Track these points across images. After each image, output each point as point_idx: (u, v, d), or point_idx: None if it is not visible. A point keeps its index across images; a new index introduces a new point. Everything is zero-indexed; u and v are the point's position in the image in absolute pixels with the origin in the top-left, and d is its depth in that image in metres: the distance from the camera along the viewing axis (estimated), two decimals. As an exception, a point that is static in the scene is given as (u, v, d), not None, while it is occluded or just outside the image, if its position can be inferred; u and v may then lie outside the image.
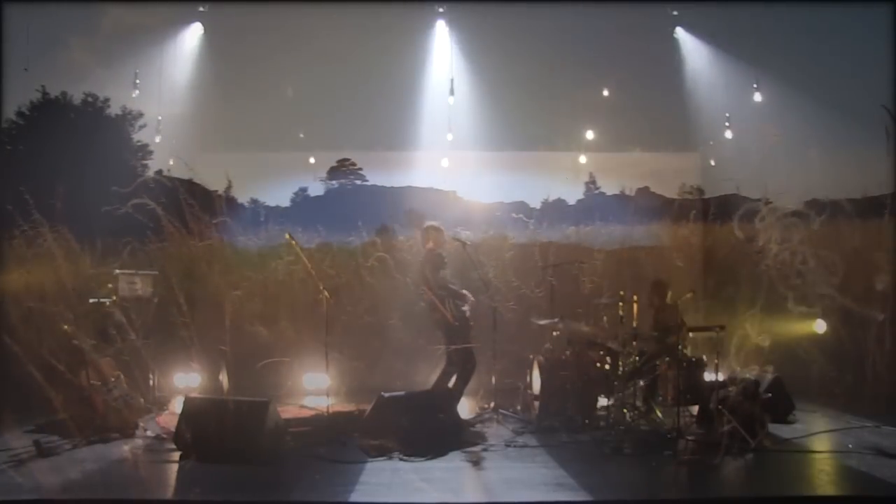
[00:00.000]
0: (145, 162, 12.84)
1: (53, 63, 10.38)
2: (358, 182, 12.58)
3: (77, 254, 8.44)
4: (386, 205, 11.32)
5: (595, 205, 11.62)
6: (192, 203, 9.19)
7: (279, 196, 11.75)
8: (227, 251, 9.47)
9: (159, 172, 11.30)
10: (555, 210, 11.37)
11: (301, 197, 12.21)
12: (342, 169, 12.41)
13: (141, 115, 12.76)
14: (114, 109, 13.54)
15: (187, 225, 9.16)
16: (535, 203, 11.44)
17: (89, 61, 9.98)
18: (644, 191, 11.86)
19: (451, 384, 7.27)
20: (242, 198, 11.55)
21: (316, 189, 12.19)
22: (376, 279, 9.24)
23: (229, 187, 11.26)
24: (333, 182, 12.49)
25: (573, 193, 11.81)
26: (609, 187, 12.02)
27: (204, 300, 8.78)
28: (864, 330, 8.25)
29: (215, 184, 11.02)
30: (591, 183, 11.84)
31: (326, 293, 6.82)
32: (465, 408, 7.58)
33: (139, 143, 13.32)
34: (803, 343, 8.21)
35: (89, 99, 13.48)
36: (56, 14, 9.51)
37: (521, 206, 11.05)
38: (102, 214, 8.13)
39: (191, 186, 10.43)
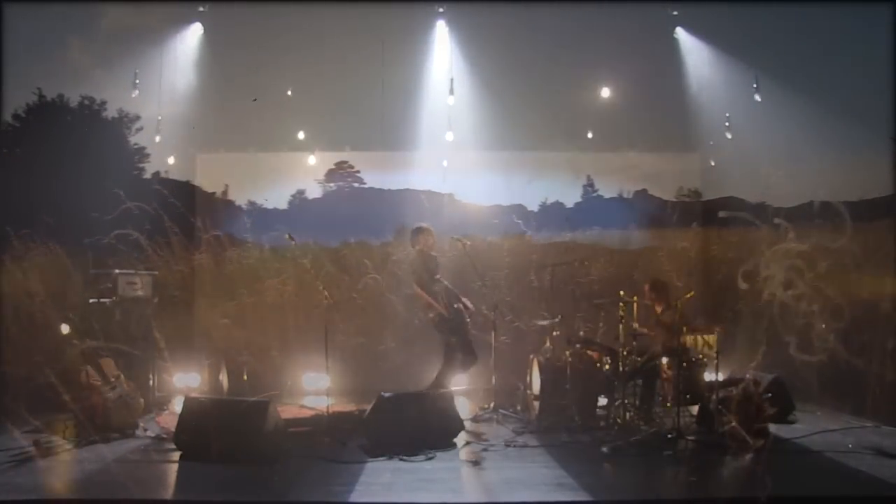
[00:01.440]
0: (142, 165, 12.67)
1: (51, 65, 10.33)
2: (356, 185, 12.47)
3: (68, 272, 8.35)
4: (383, 208, 11.30)
5: (593, 208, 11.58)
6: (177, 231, 9.08)
7: (277, 198, 11.69)
8: (213, 274, 9.36)
9: (157, 174, 11.27)
10: (553, 213, 11.37)
11: (298, 199, 12.13)
12: (340, 171, 12.30)
13: (138, 117, 12.56)
14: (110, 112, 13.30)
15: (173, 250, 9.12)
16: (534, 206, 11.45)
17: (88, 62, 9.92)
18: (642, 193, 11.80)
19: (449, 382, 7.28)
20: (240, 200, 11.50)
21: (314, 191, 12.11)
22: (368, 300, 9.23)
23: (226, 190, 11.22)
24: (331, 185, 12.39)
25: (571, 196, 11.74)
26: (609, 189, 11.95)
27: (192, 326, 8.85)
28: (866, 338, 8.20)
29: (213, 185, 11.02)
30: (589, 185, 11.76)
31: (326, 293, 6.82)
32: (466, 408, 7.59)
33: (136, 146, 13.10)
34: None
35: (86, 101, 13.28)
36: (53, 15, 9.49)
37: (520, 210, 11.03)
38: (92, 232, 8.11)
39: (188, 188, 10.42)
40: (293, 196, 12.00)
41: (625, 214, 11.19)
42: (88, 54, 9.63)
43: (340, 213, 11.82)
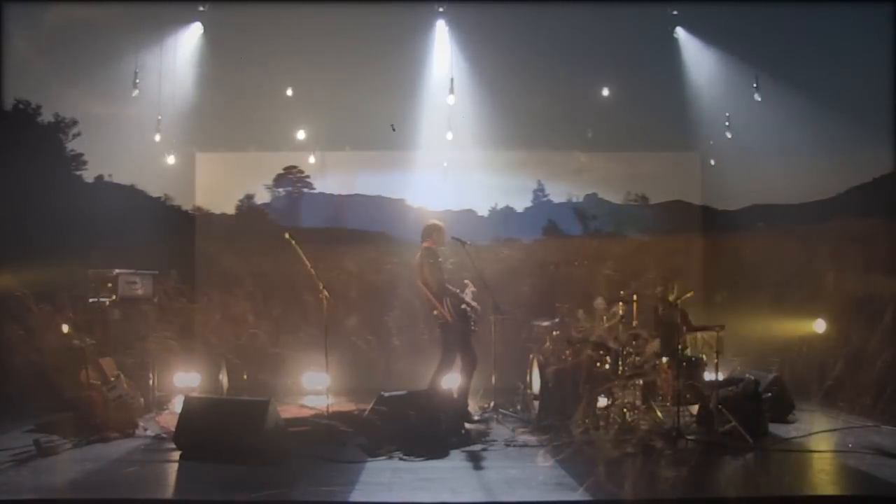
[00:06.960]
0: (78, 172, 11.95)
1: (45, 65, 10.17)
2: (305, 190, 12.14)
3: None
4: (331, 214, 11.26)
5: (543, 213, 11.49)
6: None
7: (225, 203, 11.27)
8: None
9: (100, 178, 11.09)
10: (502, 218, 11.33)
11: (246, 205, 11.77)
12: (289, 176, 12.02)
13: (75, 122, 11.84)
14: (46, 117, 11.49)
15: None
16: (484, 211, 11.41)
17: (81, 62, 9.78)
18: (591, 197, 11.70)
19: (444, 381, 7.26)
20: (186, 205, 11.00)
21: (262, 196, 11.74)
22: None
23: (168, 197, 10.94)
24: (280, 189, 12.09)
25: (521, 201, 11.52)
26: (607, 191, 11.83)
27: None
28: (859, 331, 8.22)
29: (159, 190, 10.78)
30: (539, 190, 11.59)
31: (326, 293, 6.81)
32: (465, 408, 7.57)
33: (73, 153, 11.70)
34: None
35: (21, 105, 11.40)
36: (49, 15, 9.46)
37: (470, 215, 10.97)
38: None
39: (132, 193, 10.29)
40: (241, 201, 11.62)
41: (574, 219, 11.23)
42: (87, 54, 9.55)
43: (290, 217, 11.61)
